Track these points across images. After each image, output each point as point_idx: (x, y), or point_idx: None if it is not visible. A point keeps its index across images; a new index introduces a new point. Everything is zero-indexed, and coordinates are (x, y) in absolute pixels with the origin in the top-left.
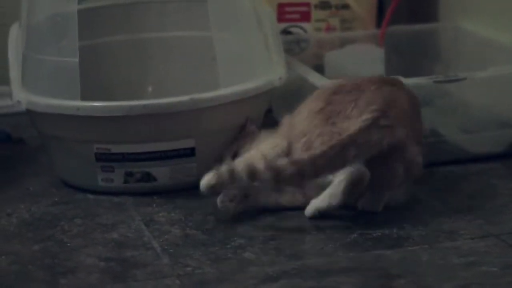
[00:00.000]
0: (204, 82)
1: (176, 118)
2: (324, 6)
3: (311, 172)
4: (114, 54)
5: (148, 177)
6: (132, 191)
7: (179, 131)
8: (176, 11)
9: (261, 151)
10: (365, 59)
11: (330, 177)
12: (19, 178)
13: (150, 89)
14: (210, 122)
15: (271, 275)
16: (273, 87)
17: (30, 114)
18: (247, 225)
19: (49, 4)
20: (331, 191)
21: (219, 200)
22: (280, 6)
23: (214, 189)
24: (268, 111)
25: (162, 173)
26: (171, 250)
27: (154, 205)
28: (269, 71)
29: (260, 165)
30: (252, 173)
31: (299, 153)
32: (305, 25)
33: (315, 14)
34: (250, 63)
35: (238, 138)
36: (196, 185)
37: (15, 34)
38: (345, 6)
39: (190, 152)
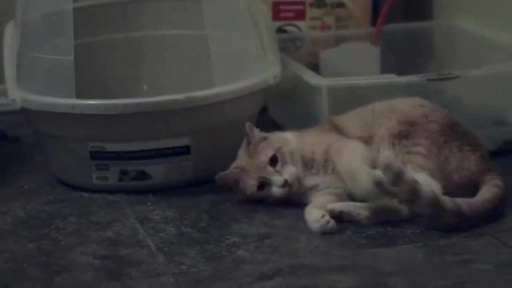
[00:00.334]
0: (199, 81)
1: (171, 116)
2: (319, 4)
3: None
4: (109, 52)
5: (143, 175)
6: (127, 189)
7: (174, 129)
8: (171, 9)
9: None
10: (360, 57)
11: None
12: (14, 176)
13: (145, 87)
14: (205, 120)
15: (266, 273)
16: (268, 85)
17: (25, 112)
18: (242, 223)
19: (45, 2)
20: None
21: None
22: (275, 4)
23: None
24: (263, 109)
25: (157, 171)
26: (165, 248)
27: (149, 203)
28: (264, 69)
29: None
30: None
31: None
32: (300, 23)
33: (310, 12)
34: (245, 61)
35: (250, 148)
36: (191, 184)
37: (10, 32)
38: (340, 5)
39: (185, 150)
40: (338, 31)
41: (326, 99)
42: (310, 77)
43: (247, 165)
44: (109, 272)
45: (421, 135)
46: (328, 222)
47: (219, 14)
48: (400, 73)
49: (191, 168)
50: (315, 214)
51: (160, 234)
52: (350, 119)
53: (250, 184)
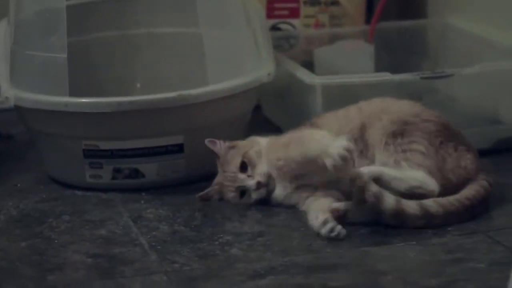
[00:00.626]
0: (193, 79)
1: (164, 115)
2: (313, 2)
3: None
4: (103, 50)
5: (136, 173)
6: (120, 187)
7: (167, 127)
8: (165, 7)
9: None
10: (354, 55)
11: None
12: (8, 174)
13: (138, 85)
14: (198, 118)
15: (259, 272)
16: (262, 83)
17: (19, 110)
18: (235, 222)
19: None
20: None
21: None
22: (269, 2)
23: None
24: (257, 107)
25: (150, 169)
26: (158, 247)
27: (142, 202)
28: (258, 67)
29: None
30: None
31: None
32: (294, 21)
33: (304, 10)
34: (239, 59)
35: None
36: (185, 182)
37: (3, 30)
38: (334, 3)
39: (178, 149)
40: (332, 29)
41: (320, 97)
42: (304, 75)
43: (223, 180)
44: (102, 271)
45: (417, 134)
46: (335, 227)
47: (214, 12)
48: (394, 71)
49: (184, 166)
50: (321, 218)
51: (153, 233)
52: (329, 118)
53: (232, 196)
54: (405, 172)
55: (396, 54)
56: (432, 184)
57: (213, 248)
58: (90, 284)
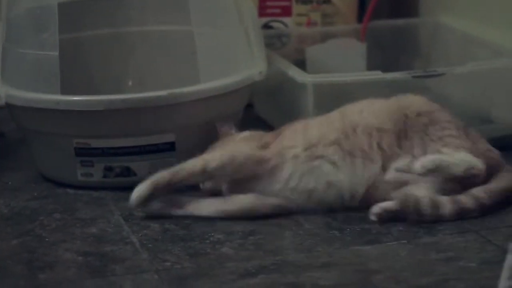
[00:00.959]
0: (185, 77)
1: (155, 113)
2: (305, 0)
3: None
4: (95, 48)
5: (127, 171)
6: (111, 185)
7: (159, 125)
8: (157, 5)
9: None
10: (346, 54)
11: None
12: None
13: (130, 83)
14: (190, 116)
15: (250, 270)
16: (254, 82)
17: (10, 108)
18: (226, 220)
19: None
20: None
21: None
22: (261, 0)
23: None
24: (248, 106)
25: (142, 167)
26: (150, 245)
27: None
28: (249, 65)
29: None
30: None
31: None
32: (286, 19)
33: (296, 8)
34: (230, 57)
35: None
36: None
37: None
38: (326, 1)
39: (170, 147)
40: (325, 28)
41: (312, 96)
42: (296, 74)
43: None
44: (93, 269)
45: (443, 119)
46: None
47: (206, 10)
48: (386, 70)
49: (176, 165)
50: None
51: (145, 231)
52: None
53: None
54: (454, 156)
55: (388, 53)
56: (479, 163)
57: (204, 246)
58: (81, 282)
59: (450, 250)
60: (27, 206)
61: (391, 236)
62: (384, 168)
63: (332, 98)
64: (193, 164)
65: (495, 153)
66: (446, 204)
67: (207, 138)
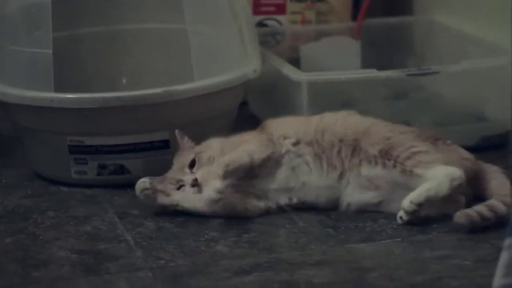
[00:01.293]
0: (179, 74)
1: (149, 110)
2: None
3: None
4: (89, 46)
5: (121, 169)
6: (105, 183)
7: (153, 123)
8: (151, 3)
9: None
10: (341, 52)
11: None
12: None
13: (124, 81)
14: (184, 114)
15: (244, 268)
16: (248, 79)
17: (4, 106)
18: (220, 218)
19: None
20: None
21: None
22: None
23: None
24: (243, 103)
25: (136, 165)
26: (144, 243)
27: (128, 198)
28: (244, 63)
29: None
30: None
31: None
32: (280, 17)
33: (291, 6)
34: (225, 55)
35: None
36: None
37: None
38: None
39: (164, 145)
40: (319, 26)
41: (306, 94)
42: (290, 72)
43: (169, 172)
44: (87, 267)
45: (407, 139)
46: None
47: (200, 8)
48: (380, 68)
49: (170, 163)
50: None
51: (139, 229)
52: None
53: (170, 188)
54: (433, 176)
55: (382, 51)
56: (457, 170)
57: (198, 244)
58: (75, 280)
59: (444, 248)
60: (21, 204)
61: (385, 234)
62: (341, 177)
63: (326, 96)
64: (239, 156)
65: (469, 159)
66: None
67: (202, 136)
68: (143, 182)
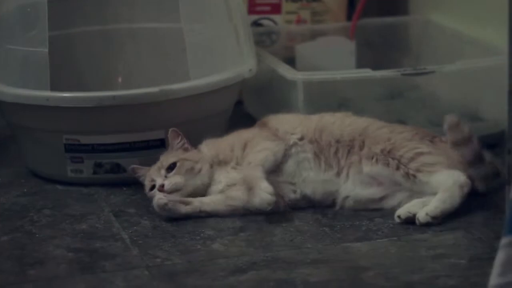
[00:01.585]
0: (174, 74)
1: (145, 109)
2: None
3: None
4: (85, 45)
5: (117, 168)
6: (101, 182)
7: (149, 122)
8: (147, 2)
9: None
10: (336, 51)
11: None
12: None
13: (120, 80)
14: (179, 113)
15: (240, 267)
16: (243, 79)
17: (0, 104)
18: (216, 217)
19: None
20: None
21: None
22: None
23: None
24: (238, 103)
25: (131, 164)
26: (140, 242)
27: (124, 196)
28: (239, 63)
29: None
30: None
31: None
32: (275, 17)
33: (286, 6)
34: (220, 55)
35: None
36: None
37: None
38: None
39: (159, 144)
40: (314, 26)
41: (302, 93)
42: (286, 71)
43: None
44: (83, 265)
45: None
46: None
47: (195, 7)
48: (375, 67)
49: None
50: None
51: (135, 227)
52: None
53: (146, 184)
54: (441, 184)
55: (378, 51)
56: (461, 175)
57: (194, 243)
58: (71, 278)
59: (440, 247)
60: (17, 202)
61: (382, 233)
62: (337, 175)
63: (322, 95)
64: (266, 155)
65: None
66: None
67: (197, 135)
68: (160, 199)
